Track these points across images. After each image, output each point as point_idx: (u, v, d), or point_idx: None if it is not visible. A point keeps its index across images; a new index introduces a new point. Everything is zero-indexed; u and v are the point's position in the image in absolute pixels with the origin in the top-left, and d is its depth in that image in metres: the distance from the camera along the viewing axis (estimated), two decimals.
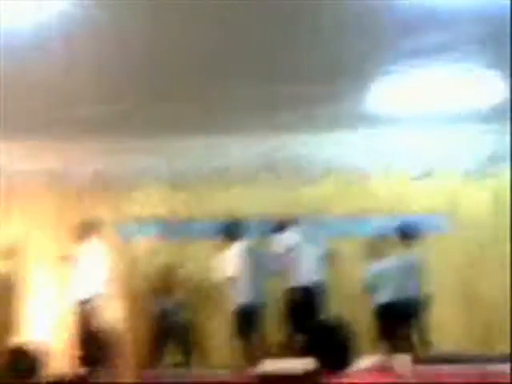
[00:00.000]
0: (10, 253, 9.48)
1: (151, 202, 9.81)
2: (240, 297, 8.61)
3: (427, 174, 9.71)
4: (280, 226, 9.04)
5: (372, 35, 6.18)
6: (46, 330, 9.29)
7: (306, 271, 8.73)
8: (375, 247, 8.99)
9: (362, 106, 8.33)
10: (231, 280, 8.68)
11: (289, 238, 8.97)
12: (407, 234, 8.82)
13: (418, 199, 9.70)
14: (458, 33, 6.19)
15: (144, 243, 9.72)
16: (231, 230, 8.91)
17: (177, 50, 6.47)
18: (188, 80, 7.24)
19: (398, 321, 8.49)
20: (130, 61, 6.67)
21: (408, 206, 9.63)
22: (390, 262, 8.85)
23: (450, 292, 9.29)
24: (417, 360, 7.18)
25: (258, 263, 8.85)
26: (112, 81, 7.21)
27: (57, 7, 5.35)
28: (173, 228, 9.67)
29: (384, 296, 8.66)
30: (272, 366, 6.52)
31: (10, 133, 8.53)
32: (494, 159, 9.44)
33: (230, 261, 8.70)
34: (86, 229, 9.06)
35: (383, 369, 6.29)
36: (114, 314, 9.16)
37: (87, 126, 8.62)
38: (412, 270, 8.66)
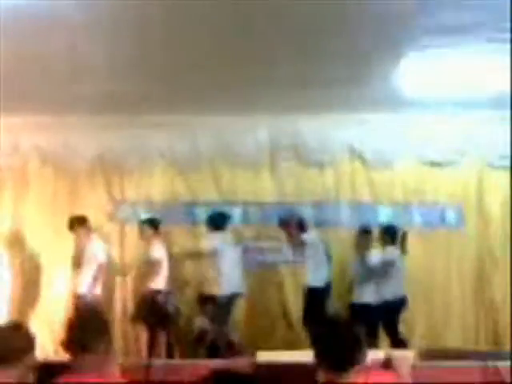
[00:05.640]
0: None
1: (152, 184, 9.40)
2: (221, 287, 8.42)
3: (449, 163, 9.28)
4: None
5: (399, 15, 5.85)
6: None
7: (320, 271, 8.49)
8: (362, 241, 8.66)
9: (388, 89, 7.95)
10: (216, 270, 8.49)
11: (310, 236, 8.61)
12: (390, 232, 8.57)
13: (436, 189, 9.36)
14: (492, 10, 5.76)
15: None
16: (215, 221, 8.66)
17: (195, 24, 6.12)
18: (204, 55, 6.86)
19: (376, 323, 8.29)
20: (142, 35, 6.34)
21: (424, 196, 9.32)
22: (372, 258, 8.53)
23: (460, 287, 9.16)
24: (422, 356, 6.93)
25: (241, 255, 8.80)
26: (119, 55, 6.87)
27: None
28: (174, 213, 9.26)
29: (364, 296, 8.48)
30: (270, 356, 6.42)
31: (7, 106, 8.06)
32: None
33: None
34: (75, 225, 8.69)
35: (382, 366, 5.82)
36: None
37: (89, 102, 8.23)
38: (392, 269, 8.43)
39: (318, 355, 3.27)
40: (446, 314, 9.10)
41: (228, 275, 8.46)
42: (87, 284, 8.55)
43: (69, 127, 8.98)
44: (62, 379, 3.53)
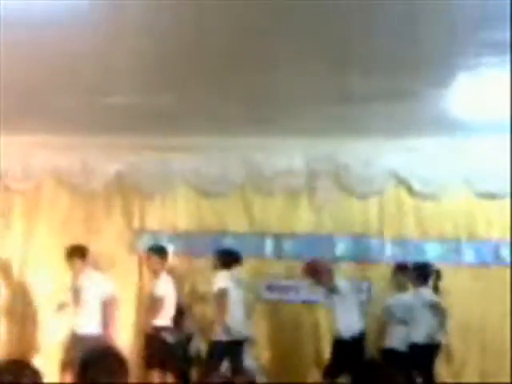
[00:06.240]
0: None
1: (175, 211, 8.74)
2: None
3: (503, 194, 8.47)
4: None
5: (452, 26, 5.29)
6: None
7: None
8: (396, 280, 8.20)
9: (438, 109, 7.39)
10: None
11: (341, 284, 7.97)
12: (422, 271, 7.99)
13: (490, 223, 8.65)
14: None
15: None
16: (222, 258, 7.95)
17: (224, 42, 5.59)
18: (233, 73, 6.36)
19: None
20: (170, 49, 5.79)
21: (478, 231, 8.65)
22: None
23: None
24: None
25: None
26: (149, 68, 6.31)
27: None
28: (200, 244, 8.55)
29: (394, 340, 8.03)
30: None
31: (17, 124, 7.69)
32: None
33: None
34: (72, 255, 8.00)
35: None
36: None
37: (109, 120, 7.74)
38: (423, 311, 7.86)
39: None
40: (500, 360, 8.30)
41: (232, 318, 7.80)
42: (94, 323, 7.85)
43: (86, 147, 8.45)
44: None
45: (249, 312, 8.15)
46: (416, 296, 7.87)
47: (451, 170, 8.49)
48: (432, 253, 8.54)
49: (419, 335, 7.76)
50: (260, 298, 8.55)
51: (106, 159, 8.55)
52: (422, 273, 7.93)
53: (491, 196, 8.54)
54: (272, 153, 8.55)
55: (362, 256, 8.55)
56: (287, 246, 8.62)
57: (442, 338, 7.90)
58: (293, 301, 8.55)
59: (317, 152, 8.58)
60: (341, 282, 7.89)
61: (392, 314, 8.01)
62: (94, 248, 8.26)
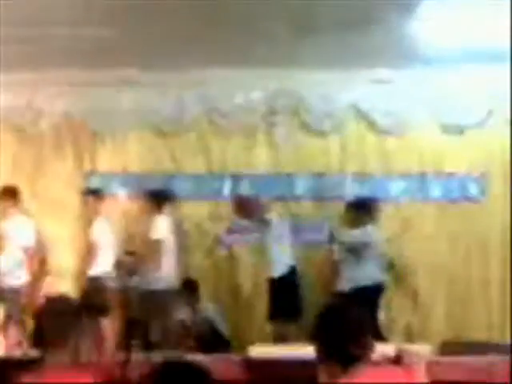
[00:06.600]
0: None
1: (127, 152, 8.39)
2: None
3: (470, 127, 8.25)
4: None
5: None
6: None
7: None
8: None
9: (401, 39, 7.17)
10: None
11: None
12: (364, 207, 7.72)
13: (454, 157, 8.38)
14: None
15: (114, 202, 8.22)
16: (151, 199, 7.77)
17: None
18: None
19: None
20: None
21: (440, 166, 8.39)
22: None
23: (483, 268, 8.18)
24: (440, 350, 6.48)
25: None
26: None
27: None
28: (154, 186, 8.10)
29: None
30: (264, 351, 6.09)
31: None
32: None
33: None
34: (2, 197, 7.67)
35: (393, 362, 5.51)
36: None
37: (56, 53, 7.40)
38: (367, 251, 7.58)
39: (320, 349, 2.93)
40: (467, 301, 8.12)
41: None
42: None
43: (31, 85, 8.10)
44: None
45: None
46: (363, 234, 7.56)
47: (415, 103, 8.21)
48: (396, 189, 8.28)
49: (364, 277, 7.46)
50: (220, 243, 8.26)
51: (53, 98, 8.18)
52: (367, 209, 7.66)
53: (458, 130, 8.26)
54: (226, 88, 8.19)
55: (322, 195, 8.25)
56: (245, 186, 8.31)
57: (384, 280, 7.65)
58: (250, 241, 8.23)
59: (275, 86, 8.24)
60: (273, 217, 7.69)
61: (341, 253, 7.69)
62: (42, 191, 8.03)
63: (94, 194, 7.76)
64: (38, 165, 8.32)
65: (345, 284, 7.48)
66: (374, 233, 7.60)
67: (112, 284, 7.52)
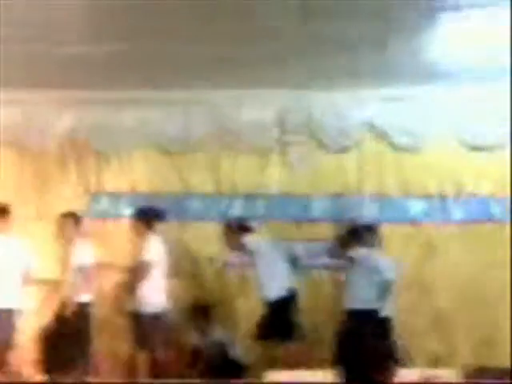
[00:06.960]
0: None
1: (135, 171, 8.29)
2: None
3: (492, 146, 8.13)
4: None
5: None
6: None
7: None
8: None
9: (418, 55, 7.11)
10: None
11: None
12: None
13: (474, 178, 8.24)
14: None
15: (121, 224, 8.08)
16: (140, 219, 7.61)
17: None
18: (198, 18, 6.13)
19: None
20: None
21: (461, 187, 8.22)
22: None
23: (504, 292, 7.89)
24: (467, 375, 6.45)
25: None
26: (99, 17, 6.16)
27: None
28: (162, 206, 7.93)
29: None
30: (279, 376, 6.13)
31: None
32: None
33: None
34: None
35: None
36: None
37: (60, 71, 7.36)
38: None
39: (342, 375, 3.04)
40: (493, 325, 7.92)
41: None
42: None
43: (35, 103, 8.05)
44: None
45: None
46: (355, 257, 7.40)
47: (434, 120, 8.07)
48: (415, 210, 8.13)
49: (355, 300, 7.28)
50: (227, 264, 8.09)
51: (57, 116, 8.10)
52: (356, 233, 7.46)
53: (480, 147, 8.11)
54: (240, 106, 8.12)
55: (340, 216, 8.03)
56: (258, 207, 8.17)
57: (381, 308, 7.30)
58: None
59: (288, 104, 8.16)
60: (258, 242, 7.63)
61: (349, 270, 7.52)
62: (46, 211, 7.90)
63: (71, 216, 7.54)
64: (42, 185, 8.18)
65: (353, 302, 7.28)
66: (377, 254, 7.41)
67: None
